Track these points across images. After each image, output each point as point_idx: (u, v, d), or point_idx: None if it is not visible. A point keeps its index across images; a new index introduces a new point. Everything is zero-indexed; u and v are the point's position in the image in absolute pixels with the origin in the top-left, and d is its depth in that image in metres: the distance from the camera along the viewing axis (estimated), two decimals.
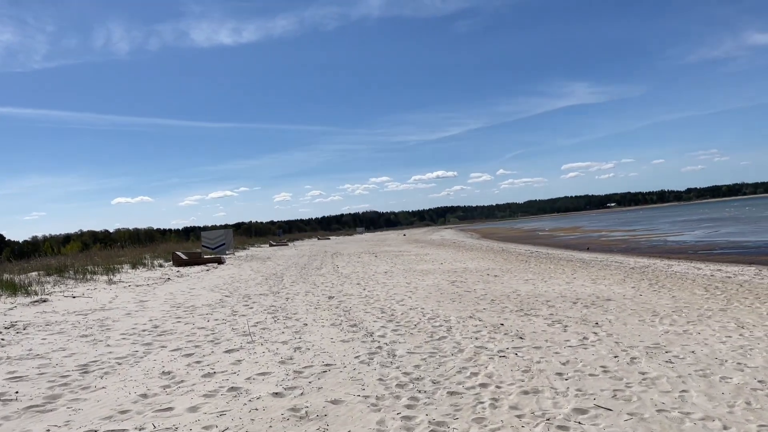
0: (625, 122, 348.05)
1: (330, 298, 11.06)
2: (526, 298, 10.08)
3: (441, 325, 7.35)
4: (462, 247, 34.13)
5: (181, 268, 24.47)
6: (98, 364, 5.78)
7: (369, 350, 5.98)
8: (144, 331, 7.89)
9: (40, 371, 5.48)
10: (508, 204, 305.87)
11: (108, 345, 6.87)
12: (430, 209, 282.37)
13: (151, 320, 8.95)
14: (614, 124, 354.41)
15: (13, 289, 13.13)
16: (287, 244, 57.61)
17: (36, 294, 13.21)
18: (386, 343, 6.30)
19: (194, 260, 27.11)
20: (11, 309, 10.77)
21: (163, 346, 6.65)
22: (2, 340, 7.31)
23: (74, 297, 13.05)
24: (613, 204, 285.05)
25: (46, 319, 9.33)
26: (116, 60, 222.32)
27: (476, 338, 6.45)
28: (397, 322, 7.73)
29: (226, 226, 51.50)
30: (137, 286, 16.13)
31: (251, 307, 10.13)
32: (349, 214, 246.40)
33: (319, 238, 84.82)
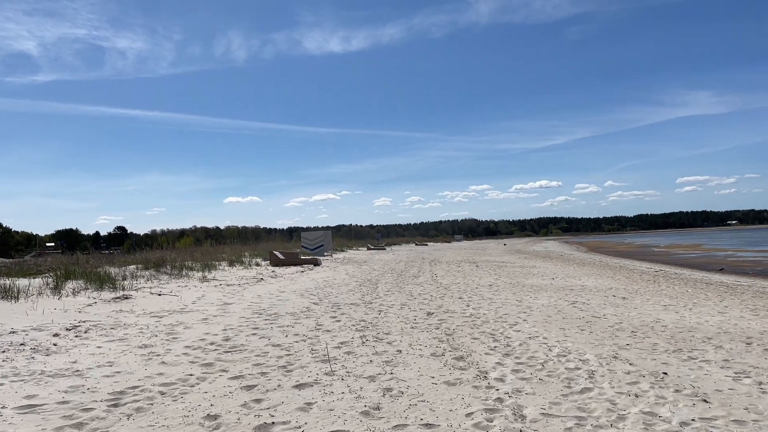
0: (750, 134, 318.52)
1: (429, 314, 9.48)
2: (677, 331, 7.98)
3: (578, 368, 5.55)
4: (572, 261, 31.38)
5: (277, 268, 23.88)
6: (135, 392, 4.55)
7: (485, 404, 4.33)
8: (212, 344, 6.70)
9: (63, 398, 4.34)
10: (616, 217, 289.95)
11: (163, 362, 5.70)
12: (531, 219, 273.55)
13: (225, 329, 7.80)
14: (738, 136, 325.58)
15: (100, 282, 12.66)
16: (385, 248, 56.74)
17: (123, 289, 12.67)
18: (508, 393, 4.62)
19: (291, 260, 26.54)
20: (90, 305, 10.10)
21: (224, 370, 5.37)
22: (54, 345, 6.38)
23: (160, 294, 12.37)
24: (734, 221, 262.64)
25: (117, 320, 8.46)
26: (234, 67, 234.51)
27: (636, 395, 4.62)
28: (517, 358, 6.01)
29: (327, 228, 51.29)
30: (228, 285, 15.39)
31: (339, 320, 8.76)
32: (448, 221, 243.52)
33: (416, 244, 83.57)
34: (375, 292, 13.40)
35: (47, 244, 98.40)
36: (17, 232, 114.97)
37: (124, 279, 15.69)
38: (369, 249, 54.32)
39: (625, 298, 12.50)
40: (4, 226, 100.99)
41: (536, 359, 5.94)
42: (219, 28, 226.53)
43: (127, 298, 11.19)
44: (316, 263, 26.47)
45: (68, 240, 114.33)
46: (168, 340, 6.93)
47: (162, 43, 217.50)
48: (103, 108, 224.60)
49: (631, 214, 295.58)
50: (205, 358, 5.91)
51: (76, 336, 6.99)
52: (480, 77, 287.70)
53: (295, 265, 25.83)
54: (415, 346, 6.65)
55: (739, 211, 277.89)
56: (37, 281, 12.72)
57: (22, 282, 12.30)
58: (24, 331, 7.11)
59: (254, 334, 7.45)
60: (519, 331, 7.86)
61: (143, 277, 16.56)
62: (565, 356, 6.11)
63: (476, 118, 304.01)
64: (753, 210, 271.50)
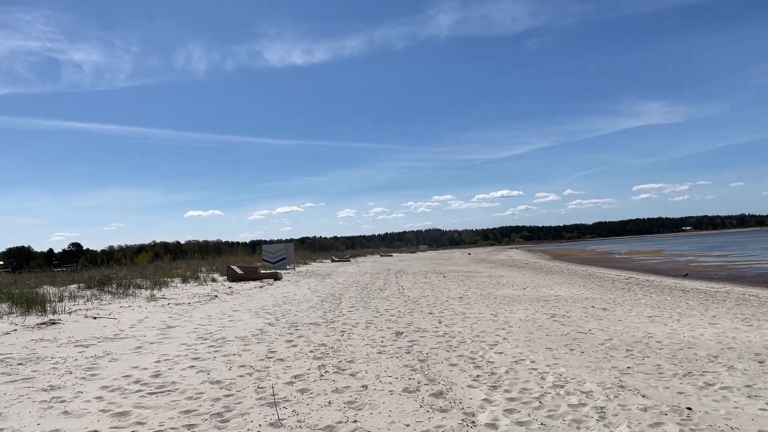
0: (701, 143, 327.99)
1: (398, 334, 8.43)
2: (676, 348, 7.12)
3: (582, 403, 4.56)
4: (539, 270, 30.80)
5: (234, 284, 22.49)
6: None
7: None
8: (136, 382, 5.50)
9: None
10: (576, 225, 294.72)
11: (65, 412, 4.49)
12: (494, 228, 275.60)
13: (159, 361, 6.60)
14: (690, 145, 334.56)
15: (27, 306, 11.20)
16: (349, 260, 55.53)
17: (53, 312, 11.24)
18: None
19: (249, 275, 25.16)
20: (7, 333, 8.72)
21: (140, 423, 4.20)
22: None
23: (95, 318, 11.00)
24: (688, 228, 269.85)
25: (31, 352, 7.16)
26: (194, 79, 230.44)
27: None
28: (506, 391, 5.00)
29: (290, 241, 49.87)
30: (177, 304, 14.05)
31: (295, 344, 7.63)
32: (412, 231, 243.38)
33: (381, 255, 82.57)
34: (338, 309, 12.29)
35: None
36: None
37: (61, 300, 14.21)
38: (333, 261, 53.04)
39: (605, 309, 11.69)
40: None
41: (529, 392, 4.94)
42: (178, 40, 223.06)
43: (54, 323, 9.81)
44: (277, 277, 25.17)
45: (19, 258, 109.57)
46: (83, 378, 5.70)
47: (119, 56, 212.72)
48: (58, 122, 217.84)
49: (590, 221, 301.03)
50: (121, 404, 4.72)
51: None
52: (441, 89, 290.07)
53: (254, 279, 24.47)
54: (383, 377, 5.58)
55: (693, 217, 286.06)
56: None
57: None
58: None
59: (192, 366, 6.26)
60: (501, 353, 6.88)
61: (83, 297, 15.08)
62: (562, 386, 5.13)
63: (438, 129, 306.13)
64: (706, 216, 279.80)
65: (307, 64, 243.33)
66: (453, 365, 6.14)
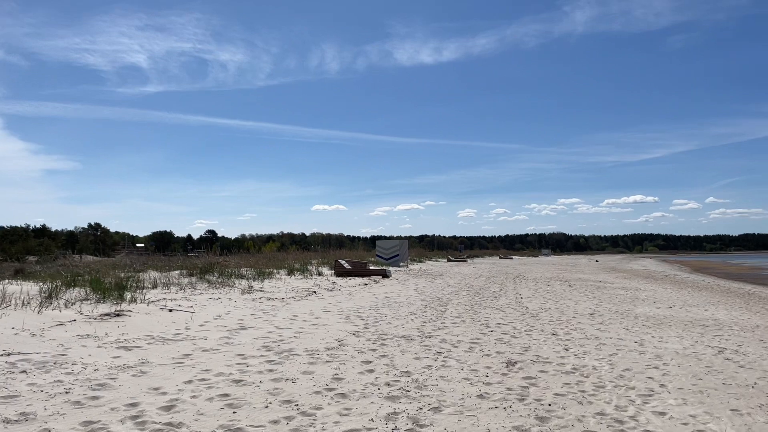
0: None
1: (509, 364, 6.39)
2: None
3: None
4: (682, 284, 26.82)
5: (339, 279, 21.32)
6: None
7: None
8: (135, 418, 4.00)
9: None
10: (718, 236, 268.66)
11: None
12: (624, 235, 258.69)
13: (191, 381, 5.12)
14: None
15: (103, 292, 10.41)
16: (466, 261, 53.26)
17: (132, 301, 10.37)
18: None
19: (357, 271, 23.94)
20: (61, 324, 7.77)
21: None
22: None
23: (171, 310, 9.98)
24: None
25: (60, 355, 5.99)
26: (327, 79, 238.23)
27: None
28: None
29: (408, 238, 48.68)
30: (269, 299, 12.92)
31: (372, 370, 5.87)
32: (534, 234, 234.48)
33: (500, 257, 79.26)
34: (441, 319, 10.40)
35: (137, 245, 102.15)
36: (116, 233, 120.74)
37: (153, 287, 13.59)
38: (449, 261, 51.07)
39: None
40: (102, 226, 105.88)
41: None
42: (314, 41, 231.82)
43: (119, 315, 8.81)
44: (385, 275, 23.70)
45: (161, 241, 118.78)
46: (75, 403, 4.29)
47: (260, 56, 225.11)
48: (203, 118, 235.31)
49: (735, 233, 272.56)
50: None
51: None
52: (573, 88, 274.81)
53: (361, 275, 23.21)
54: None
55: None
56: (36, 288, 10.71)
57: (12, 288, 10.31)
58: None
59: (224, 395, 4.68)
60: (663, 413, 4.64)
61: (178, 285, 14.41)
62: None
63: (568, 129, 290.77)
64: None
65: (435, 63, 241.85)
66: None
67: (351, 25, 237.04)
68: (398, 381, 5.41)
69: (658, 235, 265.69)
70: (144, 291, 12.08)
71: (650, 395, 5.23)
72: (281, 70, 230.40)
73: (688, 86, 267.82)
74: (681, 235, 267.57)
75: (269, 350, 6.80)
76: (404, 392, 5.00)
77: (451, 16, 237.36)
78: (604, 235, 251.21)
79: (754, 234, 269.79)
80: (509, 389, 5.23)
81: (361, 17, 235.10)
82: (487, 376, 5.77)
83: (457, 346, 7.48)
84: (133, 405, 4.32)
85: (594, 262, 66.17)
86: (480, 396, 4.96)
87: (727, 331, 10.03)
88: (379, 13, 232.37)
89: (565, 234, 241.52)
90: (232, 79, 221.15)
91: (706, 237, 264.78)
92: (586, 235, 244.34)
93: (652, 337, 8.98)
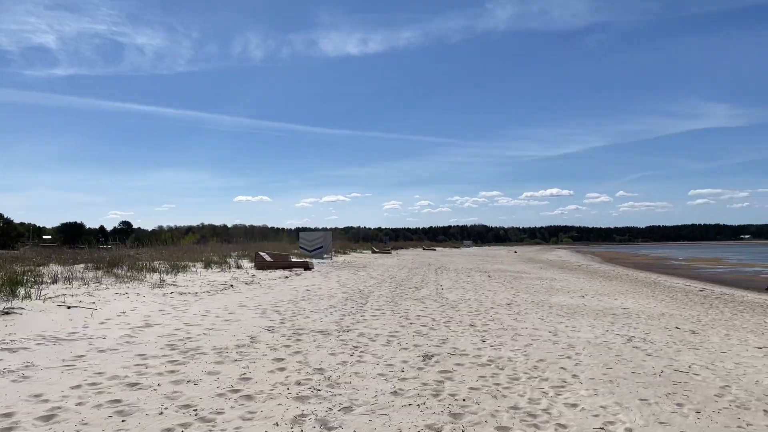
0: (765, 148, 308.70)
1: (426, 358, 6.27)
2: None
3: None
4: (594, 274, 28.02)
5: (260, 272, 20.73)
6: None
7: None
8: (16, 425, 3.54)
9: None
10: (627, 228, 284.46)
11: None
12: (541, 227, 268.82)
13: (79, 386, 4.64)
14: (753, 151, 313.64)
15: None
16: (390, 252, 53.49)
17: (26, 297, 9.52)
18: None
19: (278, 263, 23.37)
20: None
21: None
22: None
23: (70, 307, 9.25)
24: (747, 236, 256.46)
25: None
26: (251, 66, 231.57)
27: None
28: None
29: (332, 229, 48.17)
30: (181, 294, 12.28)
31: (283, 368, 5.57)
32: (457, 226, 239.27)
33: (424, 249, 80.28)
34: (361, 312, 10.21)
35: (44, 237, 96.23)
36: (21, 224, 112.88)
37: (54, 282, 12.62)
38: (374, 252, 51.14)
39: (694, 332, 9.23)
40: (5, 217, 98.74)
41: None
42: (237, 28, 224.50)
43: (8, 313, 8.04)
44: (307, 267, 23.29)
45: (70, 233, 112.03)
46: None
47: (180, 41, 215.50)
48: (119, 103, 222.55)
49: (642, 225, 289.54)
50: None
51: None
52: (496, 83, 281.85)
53: (282, 268, 22.68)
54: None
55: (752, 225, 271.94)
56: None
57: None
58: None
59: (115, 401, 4.25)
60: (575, 405, 4.63)
61: (81, 279, 13.46)
62: None
63: (489, 124, 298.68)
64: (767, 225, 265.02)
65: (361, 55, 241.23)
66: (503, 429, 3.95)
67: (275, 12, 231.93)
68: (310, 379, 5.15)
69: (572, 227, 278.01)
70: (41, 286, 11.17)
71: (563, 386, 5.24)
72: (202, 56, 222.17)
73: (602, 84, 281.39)
74: (593, 227, 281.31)
75: (174, 349, 6.36)
76: (315, 392, 4.74)
77: (376, 7, 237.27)
78: (523, 227, 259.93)
79: (659, 226, 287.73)
80: (424, 384, 5.09)
81: (285, 5, 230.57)
82: (402, 371, 5.61)
83: (374, 340, 7.30)
84: (7, 415, 3.84)
85: (513, 253, 68.34)
86: (394, 393, 4.78)
87: (635, 320, 10.41)
88: (304, 1, 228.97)
89: (486, 226, 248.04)
90: (149, 64, 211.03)
91: (616, 229, 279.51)
92: (506, 227, 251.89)
93: (566, 326, 9.17)
